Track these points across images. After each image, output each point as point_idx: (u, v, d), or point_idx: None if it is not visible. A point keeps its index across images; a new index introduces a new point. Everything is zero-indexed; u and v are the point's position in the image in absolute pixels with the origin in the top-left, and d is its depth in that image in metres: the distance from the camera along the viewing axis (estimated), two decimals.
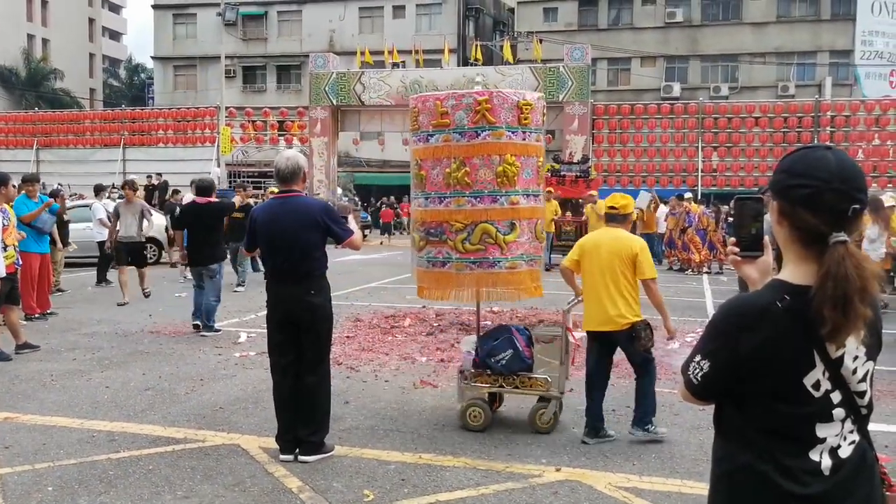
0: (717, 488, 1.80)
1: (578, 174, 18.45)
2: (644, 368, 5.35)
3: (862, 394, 1.72)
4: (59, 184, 21.71)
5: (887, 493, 1.77)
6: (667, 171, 25.61)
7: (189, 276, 14.52)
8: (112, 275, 12.88)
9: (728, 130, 25.49)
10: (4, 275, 7.64)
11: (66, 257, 13.10)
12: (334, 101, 26.16)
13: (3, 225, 7.78)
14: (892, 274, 10.52)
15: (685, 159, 25.69)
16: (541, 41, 30.35)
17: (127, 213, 11.60)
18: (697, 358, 1.77)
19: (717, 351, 1.73)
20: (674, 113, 26.03)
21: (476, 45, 31.31)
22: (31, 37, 50.77)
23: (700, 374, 1.76)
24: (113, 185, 22.00)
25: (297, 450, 4.82)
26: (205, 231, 9.20)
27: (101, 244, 13.19)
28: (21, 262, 8.40)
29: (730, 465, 1.75)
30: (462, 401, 5.61)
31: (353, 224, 5.16)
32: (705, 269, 17.10)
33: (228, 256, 13.34)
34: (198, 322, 9.28)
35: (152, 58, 47.56)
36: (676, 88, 38.15)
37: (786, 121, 24.75)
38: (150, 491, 4.32)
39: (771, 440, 1.69)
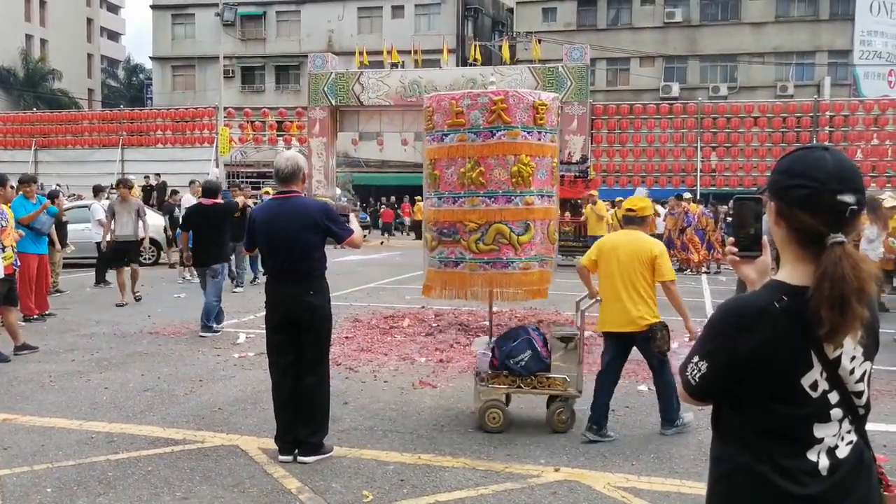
0: (715, 489, 1.80)
1: (577, 174, 18.46)
2: (660, 369, 5.39)
3: (859, 394, 1.72)
4: (57, 184, 21.72)
5: (885, 493, 1.78)
6: (666, 171, 25.62)
7: (188, 276, 14.59)
8: (111, 275, 12.85)
9: (727, 130, 25.50)
10: (3, 276, 7.64)
11: (64, 258, 13.08)
12: (333, 102, 26.15)
13: (2, 226, 7.77)
14: (892, 274, 10.53)
15: (684, 159, 25.69)
16: (540, 41, 30.36)
17: (122, 212, 11.59)
18: (695, 359, 1.77)
19: (714, 352, 1.73)
20: (673, 113, 26.04)
21: (475, 46, 31.29)
22: (29, 37, 50.76)
23: (698, 375, 1.76)
24: (112, 185, 21.95)
25: (297, 450, 4.82)
26: (210, 232, 9.29)
27: (99, 245, 13.17)
28: (19, 264, 8.40)
29: (728, 465, 1.75)
30: (478, 402, 5.55)
31: (354, 223, 5.15)
32: (704, 270, 17.11)
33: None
34: (216, 325, 9.42)
35: (151, 58, 47.59)
36: (675, 88, 38.18)
37: (784, 121, 24.76)
38: (149, 492, 4.32)
39: (769, 441, 1.69)
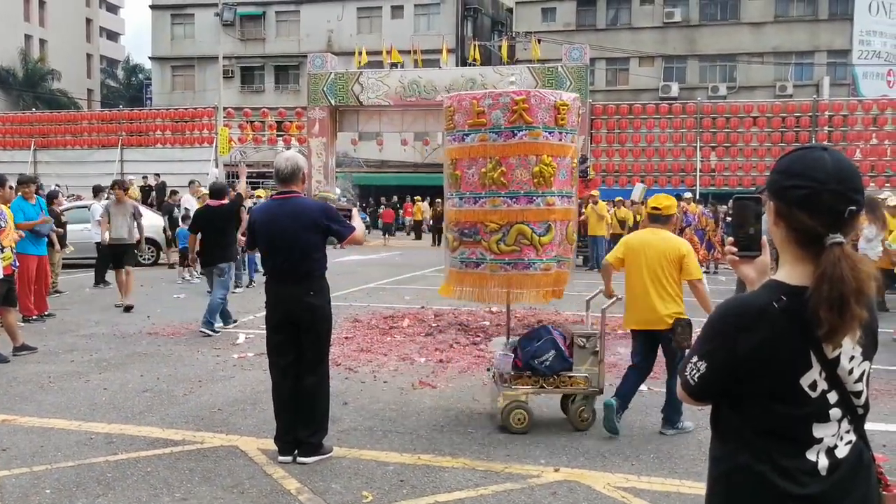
0: (714, 489, 1.80)
1: (577, 174, 18.44)
2: (674, 370, 5.42)
3: (858, 394, 1.72)
4: (56, 185, 21.70)
5: (884, 492, 1.78)
6: (665, 170, 25.61)
7: (187, 276, 14.60)
8: (110, 276, 12.82)
9: (726, 130, 25.49)
10: (2, 277, 7.63)
11: (63, 259, 13.08)
12: (332, 102, 26.13)
13: (0, 227, 7.76)
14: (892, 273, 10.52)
15: (683, 159, 25.68)
16: (539, 41, 30.36)
17: (118, 214, 11.50)
18: (694, 359, 1.77)
19: (714, 352, 1.73)
20: (672, 113, 26.03)
21: (474, 45, 31.27)
22: (28, 37, 50.73)
23: (697, 375, 1.76)
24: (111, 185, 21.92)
25: (296, 451, 4.82)
26: (216, 233, 9.42)
27: (99, 245, 13.16)
28: (18, 264, 8.39)
29: (727, 465, 1.75)
30: (498, 403, 5.51)
31: (356, 219, 5.15)
32: (703, 269, 17.10)
33: None
34: (228, 325, 9.52)
35: (150, 58, 47.58)
36: (675, 88, 38.19)
37: (784, 121, 24.75)
38: (149, 493, 4.32)
39: (768, 440, 1.69)
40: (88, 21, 58.76)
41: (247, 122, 29.07)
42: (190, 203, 16.39)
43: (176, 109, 31.54)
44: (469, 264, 5.78)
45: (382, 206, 33.11)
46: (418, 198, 31.61)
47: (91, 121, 30.83)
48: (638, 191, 18.48)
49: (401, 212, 34.75)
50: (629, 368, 5.68)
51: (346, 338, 8.82)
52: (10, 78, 47.78)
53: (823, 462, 1.67)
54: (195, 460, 4.86)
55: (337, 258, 15.67)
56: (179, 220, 16.27)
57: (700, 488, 4.12)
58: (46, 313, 10.26)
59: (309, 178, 22.28)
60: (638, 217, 19.17)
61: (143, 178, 25.25)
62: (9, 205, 8.53)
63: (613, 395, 5.49)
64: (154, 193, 23.53)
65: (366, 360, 7.78)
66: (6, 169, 21.83)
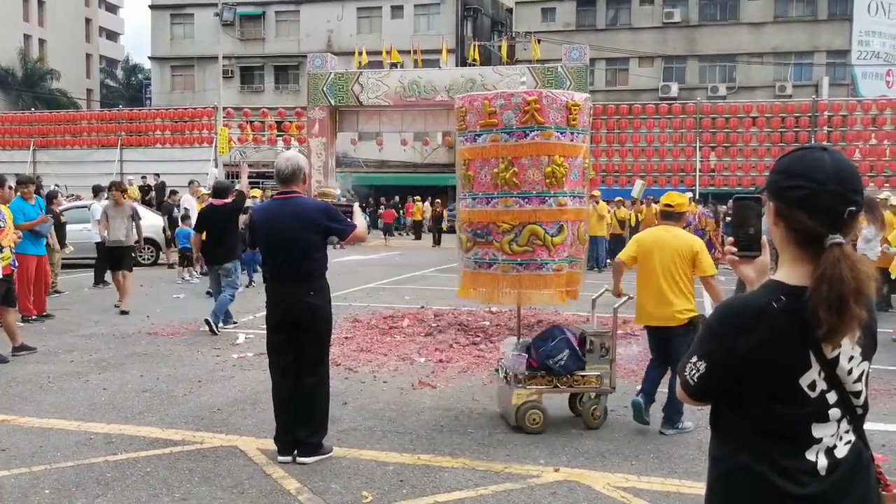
0: (714, 489, 1.80)
1: (588, 174, 18.44)
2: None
3: (857, 394, 1.72)
4: (55, 185, 21.68)
5: (883, 492, 1.78)
6: (665, 170, 25.61)
7: (187, 276, 14.59)
8: (109, 276, 12.77)
9: (725, 130, 25.49)
10: (1, 277, 7.63)
11: (63, 259, 13.07)
12: (332, 102, 26.13)
13: (0, 226, 7.76)
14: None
15: (683, 159, 25.68)
16: (539, 41, 30.35)
17: (116, 216, 11.37)
18: (694, 359, 1.77)
19: (713, 352, 1.73)
20: (672, 113, 26.03)
21: (474, 46, 31.26)
22: (27, 37, 50.70)
23: (696, 376, 1.76)
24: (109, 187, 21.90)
25: (296, 451, 4.82)
26: (220, 231, 9.52)
27: (99, 245, 13.14)
28: (17, 264, 8.38)
29: (727, 465, 1.75)
30: (513, 404, 5.49)
31: (357, 216, 5.15)
32: None
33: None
34: (227, 325, 9.56)
35: (149, 58, 47.57)
36: (674, 88, 38.21)
37: (783, 121, 24.76)
38: (148, 493, 4.31)
39: (768, 441, 1.69)
40: (88, 21, 58.73)
41: (246, 122, 29.05)
42: (189, 203, 16.37)
43: (175, 109, 31.52)
44: (482, 265, 5.82)
45: (382, 207, 33.09)
46: (418, 198, 31.61)
47: (90, 121, 30.80)
48: (637, 187, 18.49)
49: (402, 212, 34.71)
50: (649, 365, 5.75)
51: (346, 338, 8.82)
52: (9, 78, 47.74)
53: (823, 462, 1.67)
54: (195, 460, 4.85)
55: (337, 258, 15.66)
56: (179, 220, 16.25)
57: (700, 488, 4.12)
58: (45, 314, 10.25)
59: (309, 178, 22.29)
60: (639, 216, 19.20)
61: (143, 178, 25.23)
62: (8, 205, 8.52)
63: (638, 394, 5.57)
64: (153, 193, 23.51)
65: (365, 360, 7.78)
66: (5, 169, 21.82)
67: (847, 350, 1.68)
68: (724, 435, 1.79)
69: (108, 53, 64.48)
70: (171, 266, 16.57)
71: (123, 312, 10.70)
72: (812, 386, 1.67)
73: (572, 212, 5.72)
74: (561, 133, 5.64)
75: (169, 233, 16.81)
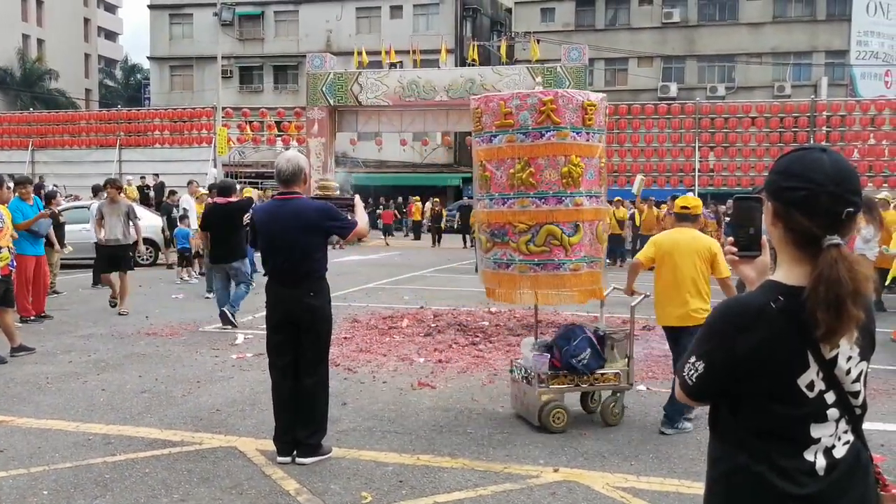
0: (713, 489, 1.80)
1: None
2: None
3: (856, 394, 1.72)
4: (54, 185, 21.67)
5: (882, 492, 1.78)
6: (664, 170, 25.62)
7: (185, 277, 14.58)
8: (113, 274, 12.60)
9: (724, 130, 25.50)
10: None
11: (62, 259, 13.05)
12: (331, 102, 26.14)
13: None
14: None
15: (682, 159, 25.70)
16: (538, 41, 30.37)
17: (111, 215, 10.97)
18: (692, 359, 1.77)
19: (712, 352, 1.74)
20: (671, 113, 26.04)
21: (473, 46, 31.29)
22: (26, 37, 50.66)
23: (695, 375, 1.76)
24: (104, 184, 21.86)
25: (295, 452, 4.81)
26: (225, 230, 9.56)
27: (97, 245, 13.08)
28: (16, 265, 8.37)
29: (726, 466, 1.76)
30: (537, 404, 5.51)
31: (359, 211, 5.14)
32: None
33: (205, 261, 13.36)
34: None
35: (148, 58, 47.55)
36: (673, 88, 38.23)
37: (782, 121, 24.77)
38: (147, 494, 4.31)
39: (766, 441, 1.69)
40: (86, 21, 58.70)
41: (245, 122, 29.05)
42: (188, 203, 16.34)
43: (174, 109, 31.50)
44: (501, 265, 5.85)
45: (381, 207, 33.06)
46: (417, 198, 31.61)
47: (89, 121, 30.79)
48: (638, 182, 18.50)
49: (405, 212, 34.55)
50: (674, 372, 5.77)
51: (346, 338, 8.81)
52: (7, 78, 47.70)
53: (821, 462, 1.67)
54: (193, 461, 4.85)
55: (336, 258, 15.66)
56: (178, 220, 16.24)
57: (699, 488, 4.12)
58: (43, 314, 10.24)
59: (309, 178, 22.28)
60: (642, 215, 19.20)
61: (142, 178, 25.22)
62: (6, 205, 8.51)
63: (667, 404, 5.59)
64: (153, 193, 23.50)
65: (365, 360, 7.78)
66: (4, 169, 21.82)
67: (845, 350, 1.68)
68: (722, 435, 1.79)
69: (107, 53, 64.46)
70: (169, 266, 16.56)
71: (122, 314, 10.62)
72: (810, 386, 1.67)
73: (589, 211, 5.74)
74: (577, 133, 5.66)
75: (168, 233, 16.78)
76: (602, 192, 6.00)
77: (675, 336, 5.61)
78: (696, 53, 39.69)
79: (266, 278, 5.02)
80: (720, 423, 1.79)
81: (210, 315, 10.31)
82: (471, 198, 34.39)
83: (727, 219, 16.46)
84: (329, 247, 5.08)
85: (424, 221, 30.92)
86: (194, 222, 14.21)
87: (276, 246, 4.85)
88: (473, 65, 29.37)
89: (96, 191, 15.50)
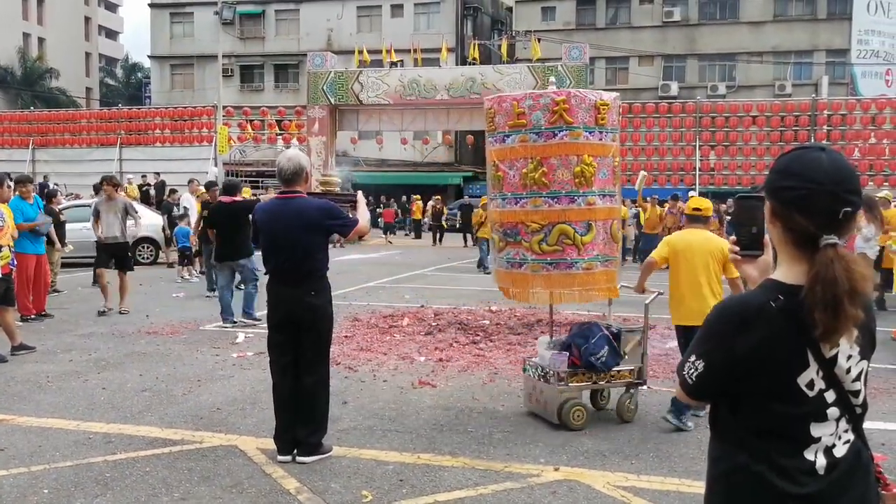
0: (713, 489, 1.80)
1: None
2: None
3: (856, 393, 1.72)
4: (55, 183, 21.66)
5: (883, 492, 1.78)
6: (664, 169, 25.63)
7: (186, 275, 14.58)
8: (111, 273, 12.58)
9: (725, 129, 25.51)
10: (0, 276, 7.61)
11: (62, 258, 13.05)
12: (332, 101, 26.14)
13: None
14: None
15: (683, 158, 25.71)
16: (539, 40, 30.36)
17: (108, 212, 10.76)
18: (692, 358, 1.77)
19: (711, 351, 1.74)
20: (671, 112, 26.04)
21: (474, 44, 31.28)
22: (26, 35, 50.66)
23: (695, 374, 1.76)
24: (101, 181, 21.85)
25: (295, 450, 4.81)
26: (231, 229, 9.61)
27: (98, 243, 13.04)
28: (16, 263, 8.37)
29: (726, 465, 1.76)
30: (556, 401, 5.53)
31: (361, 208, 5.14)
32: None
33: (204, 259, 13.36)
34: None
35: (149, 57, 47.56)
36: (674, 87, 38.21)
37: (783, 120, 24.77)
38: (147, 493, 4.31)
39: (766, 440, 1.69)
40: (87, 19, 58.68)
41: (246, 120, 29.07)
42: (189, 202, 16.36)
43: (175, 108, 31.52)
44: (514, 265, 5.88)
45: (382, 206, 33.05)
46: (417, 196, 31.60)
47: (90, 119, 30.82)
48: (640, 180, 18.50)
49: (409, 211, 34.46)
50: None
51: (346, 337, 8.81)
52: (8, 76, 47.70)
53: (822, 461, 1.67)
54: (194, 460, 4.85)
55: (337, 257, 15.67)
56: (177, 219, 16.23)
57: (699, 487, 4.12)
58: (44, 313, 10.24)
59: (310, 177, 22.26)
60: (645, 213, 19.18)
61: (143, 176, 25.22)
62: (7, 204, 8.51)
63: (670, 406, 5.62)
64: (153, 192, 23.50)
65: (365, 359, 7.78)
66: (5, 168, 21.79)
67: (845, 349, 1.68)
68: (722, 434, 1.79)
69: (108, 52, 64.43)
70: (170, 265, 16.55)
71: (123, 312, 10.59)
72: (810, 385, 1.67)
73: (602, 210, 5.78)
74: (590, 133, 5.69)
75: (168, 231, 16.78)
76: (616, 191, 6.03)
77: (689, 335, 5.63)
78: (696, 52, 39.68)
79: (266, 278, 5.02)
80: (720, 422, 1.80)
81: (211, 314, 10.32)
82: (471, 196, 34.52)
83: (728, 217, 16.45)
84: (329, 245, 5.08)
85: (425, 220, 30.91)
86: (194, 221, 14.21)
87: (278, 245, 4.85)
88: (474, 64, 29.36)
89: (97, 189, 15.49)
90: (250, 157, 29.98)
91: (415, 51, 29.00)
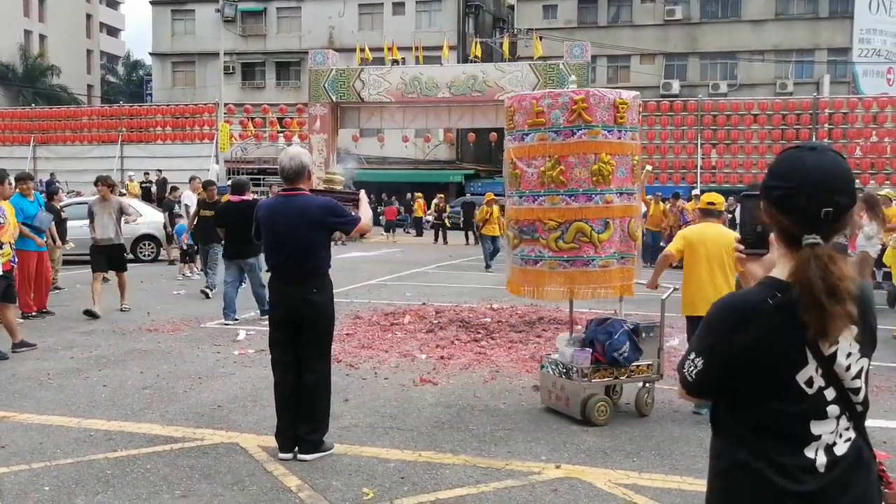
0: (714, 486, 1.81)
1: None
2: None
3: (856, 390, 1.72)
4: (56, 181, 21.65)
5: (886, 490, 1.77)
6: (666, 168, 25.60)
7: (188, 273, 14.58)
8: (110, 273, 12.53)
9: (727, 128, 25.47)
10: (1, 273, 7.61)
11: (64, 255, 13.04)
12: (334, 98, 26.13)
13: (0, 223, 7.74)
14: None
15: (684, 156, 25.68)
16: (540, 38, 30.33)
17: (103, 213, 10.47)
18: (692, 356, 1.79)
19: (710, 348, 1.75)
20: (673, 110, 26.01)
21: (476, 42, 31.30)
22: (28, 33, 50.66)
23: (694, 372, 1.77)
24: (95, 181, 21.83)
25: (296, 448, 4.81)
26: (239, 228, 9.54)
27: (91, 245, 12.93)
28: (17, 261, 8.37)
29: (726, 462, 1.77)
30: (580, 397, 5.56)
31: (364, 206, 5.14)
32: None
33: (199, 259, 13.35)
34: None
35: (150, 54, 47.56)
36: (675, 86, 38.19)
37: (784, 118, 24.74)
38: (148, 490, 4.31)
39: (765, 438, 1.70)
40: (88, 17, 58.67)
41: (248, 118, 29.04)
42: (190, 199, 16.35)
43: (176, 106, 31.49)
44: (528, 261, 5.92)
45: (383, 203, 33.03)
46: (419, 194, 31.58)
47: (91, 117, 30.82)
48: (644, 174, 18.50)
49: (414, 206, 34.37)
50: None
51: (348, 334, 8.81)
52: (9, 74, 47.71)
53: (822, 459, 1.68)
54: (195, 457, 4.85)
55: (338, 255, 15.67)
56: (177, 216, 16.23)
57: (701, 485, 4.11)
58: (45, 310, 10.24)
59: (312, 174, 22.27)
60: (648, 209, 19.16)
61: (145, 174, 25.21)
62: (8, 201, 8.51)
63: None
64: (154, 189, 23.50)
65: (367, 356, 7.77)
66: (6, 165, 21.69)
67: (845, 347, 1.69)
68: (722, 431, 1.80)
69: (109, 49, 64.41)
70: (171, 262, 16.55)
71: (124, 309, 10.56)
72: (809, 382, 1.67)
73: (619, 208, 5.82)
74: (608, 131, 5.73)
75: (170, 229, 16.77)
76: (636, 189, 6.06)
77: None
78: (698, 51, 39.66)
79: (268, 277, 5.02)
80: (720, 419, 1.81)
81: (212, 311, 10.32)
82: (473, 194, 34.49)
83: (730, 216, 16.44)
84: (331, 243, 5.08)
85: (427, 218, 30.89)
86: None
87: (280, 242, 4.85)
88: (476, 61, 29.35)
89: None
90: (251, 155, 29.99)
91: (416, 48, 28.98)
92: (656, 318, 6.20)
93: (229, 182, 13.56)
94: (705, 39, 39.59)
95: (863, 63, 37.14)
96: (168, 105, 32.35)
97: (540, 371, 6.11)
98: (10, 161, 26.44)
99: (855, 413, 1.73)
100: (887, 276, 11.63)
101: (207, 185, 13.34)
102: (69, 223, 13.28)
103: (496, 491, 4.33)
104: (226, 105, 28.64)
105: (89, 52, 58.47)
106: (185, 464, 4.72)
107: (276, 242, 4.88)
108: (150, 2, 46.03)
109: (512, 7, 45.30)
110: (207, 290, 11.96)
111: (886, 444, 5.06)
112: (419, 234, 30.83)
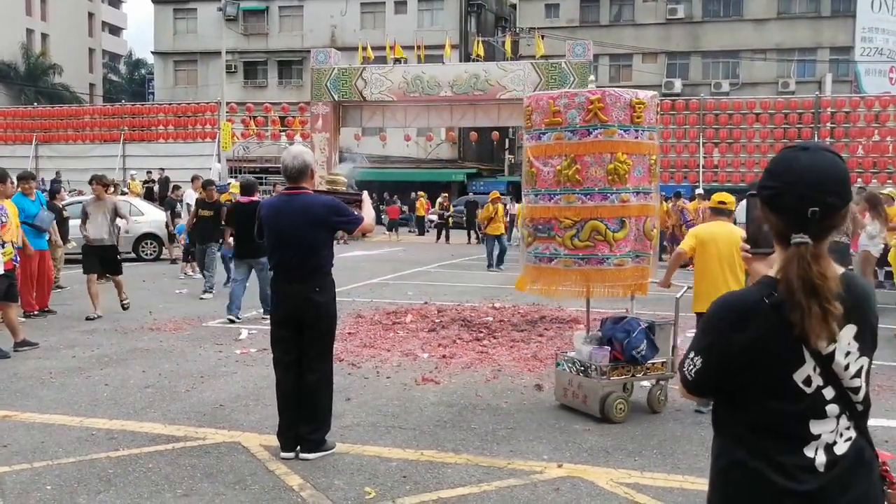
0: (714, 485, 1.82)
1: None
2: None
3: (856, 390, 1.72)
4: (61, 179, 21.68)
5: (888, 490, 1.77)
6: (668, 167, 25.56)
7: (189, 272, 14.59)
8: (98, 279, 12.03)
9: (729, 127, 25.42)
10: (2, 272, 7.62)
11: (66, 254, 13.06)
12: (336, 97, 26.13)
13: (2, 222, 7.75)
14: None
15: (686, 155, 25.65)
16: (542, 37, 30.30)
17: (97, 213, 10.13)
18: (691, 355, 1.80)
19: (709, 347, 1.76)
20: (675, 109, 25.96)
21: (478, 41, 31.24)
22: (30, 31, 50.69)
23: (694, 371, 1.78)
24: (115, 181, 21.87)
25: (298, 447, 4.81)
26: (248, 229, 9.54)
27: (83, 245, 12.89)
28: (19, 259, 8.38)
29: (725, 461, 1.77)
30: (598, 395, 5.60)
31: (366, 206, 5.15)
32: None
33: (197, 259, 13.35)
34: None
35: (152, 53, 47.60)
36: (678, 85, 38.16)
37: (786, 117, 24.69)
38: (150, 489, 4.31)
39: (763, 437, 1.70)
40: (90, 15, 58.71)
41: (250, 117, 29.03)
42: (192, 198, 16.33)
43: (178, 104, 31.48)
44: (543, 259, 5.95)
45: (385, 203, 33.03)
46: (422, 193, 31.59)
47: (93, 115, 30.80)
48: None
49: (417, 204, 34.31)
50: None
51: (350, 333, 8.81)
52: (11, 72, 47.74)
53: (821, 458, 1.68)
54: (197, 456, 4.85)
55: (341, 254, 15.68)
56: (178, 215, 16.23)
57: (703, 484, 4.11)
58: (47, 309, 10.24)
59: (315, 173, 22.26)
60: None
61: (148, 172, 25.21)
62: (9, 200, 8.51)
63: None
64: (157, 188, 23.50)
65: (369, 355, 7.78)
66: (8, 164, 21.72)
67: (843, 345, 1.69)
68: (722, 430, 1.81)
69: (111, 48, 64.46)
70: (173, 261, 16.56)
71: (125, 307, 10.48)
72: (807, 381, 1.68)
73: (635, 208, 5.86)
74: (624, 131, 5.77)
75: (172, 228, 16.78)
76: (653, 188, 6.07)
77: None
78: (700, 50, 39.63)
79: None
80: (720, 418, 1.81)
81: (214, 310, 10.33)
82: (475, 193, 34.45)
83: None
84: (334, 242, 5.08)
85: (428, 217, 30.87)
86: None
87: (283, 241, 4.85)
88: (478, 60, 29.33)
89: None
90: (254, 154, 29.96)
91: (418, 47, 28.96)
92: (665, 317, 6.26)
93: (229, 181, 13.57)
94: (707, 38, 39.56)
95: (865, 62, 37.09)
96: (170, 104, 32.33)
97: (555, 369, 6.14)
98: (13, 160, 26.44)
99: (855, 412, 1.73)
100: (889, 275, 11.64)
101: (206, 184, 13.32)
102: (71, 222, 13.29)
103: (498, 490, 4.33)
104: (228, 104, 28.63)
105: (91, 50, 58.51)
106: (187, 463, 4.73)
107: (278, 241, 4.88)
108: (152, 0, 46.04)
109: (514, 6, 45.27)
110: (206, 297, 11.83)
111: (888, 443, 5.05)
112: (421, 233, 30.83)
